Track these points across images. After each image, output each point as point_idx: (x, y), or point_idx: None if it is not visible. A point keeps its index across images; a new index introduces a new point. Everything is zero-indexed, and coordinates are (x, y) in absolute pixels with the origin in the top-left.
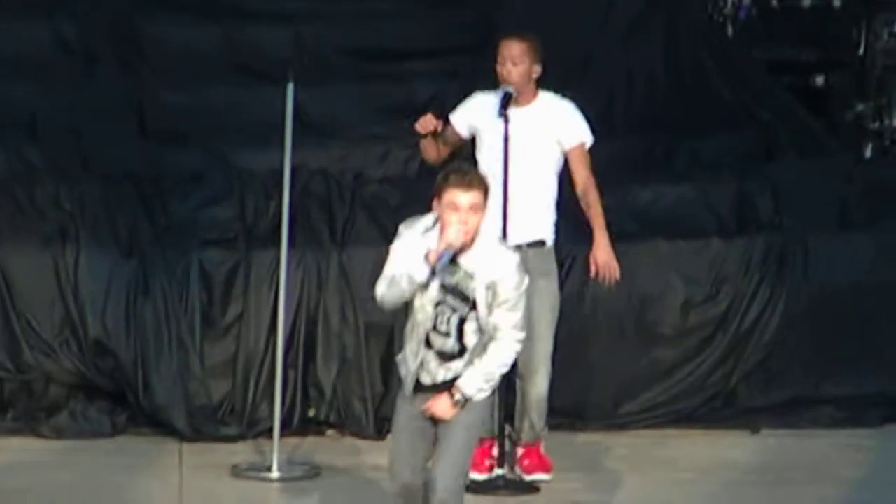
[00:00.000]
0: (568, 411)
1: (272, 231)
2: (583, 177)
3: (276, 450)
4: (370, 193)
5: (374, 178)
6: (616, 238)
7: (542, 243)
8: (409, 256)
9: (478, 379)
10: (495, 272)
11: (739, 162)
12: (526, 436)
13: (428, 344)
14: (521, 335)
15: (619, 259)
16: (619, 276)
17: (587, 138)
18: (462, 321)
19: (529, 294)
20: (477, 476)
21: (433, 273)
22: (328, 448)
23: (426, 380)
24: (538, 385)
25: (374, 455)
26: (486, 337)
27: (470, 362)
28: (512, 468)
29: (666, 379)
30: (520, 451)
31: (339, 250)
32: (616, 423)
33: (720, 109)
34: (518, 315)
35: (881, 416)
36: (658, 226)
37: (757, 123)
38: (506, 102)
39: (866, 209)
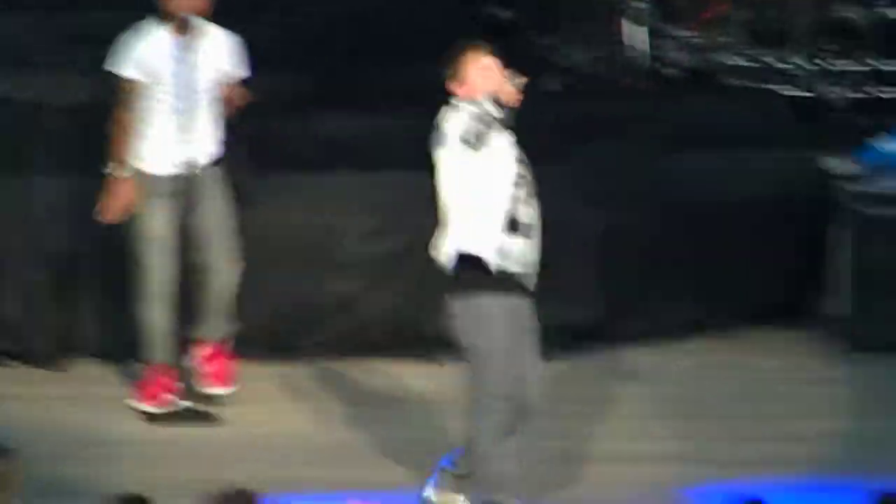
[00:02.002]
0: (253, 342)
1: None
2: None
3: None
4: (51, 122)
5: (55, 107)
6: (302, 168)
7: (218, 161)
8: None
9: None
10: None
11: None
12: (213, 330)
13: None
14: None
15: (303, 189)
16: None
17: (247, 72)
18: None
19: (207, 210)
20: (152, 409)
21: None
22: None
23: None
24: (225, 275)
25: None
26: None
27: None
28: (192, 389)
29: (351, 309)
30: (204, 350)
31: (19, 179)
32: (302, 352)
33: (411, 42)
34: None
35: (564, 344)
36: (341, 156)
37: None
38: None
39: (550, 141)
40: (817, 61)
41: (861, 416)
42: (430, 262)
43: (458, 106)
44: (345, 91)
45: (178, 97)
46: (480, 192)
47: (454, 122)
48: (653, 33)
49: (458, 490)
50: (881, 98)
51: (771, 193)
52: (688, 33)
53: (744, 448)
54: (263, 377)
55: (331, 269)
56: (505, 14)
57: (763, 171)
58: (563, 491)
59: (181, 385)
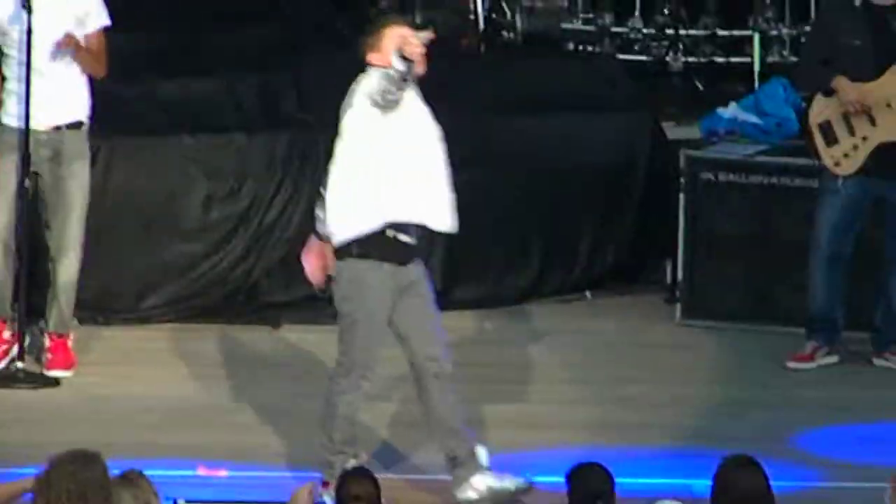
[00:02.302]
0: (92, 305)
1: None
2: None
3: None
4: None
5: None
6: (142, 132)
7: (79, 125)
8: None
9: None
10: None
11: (263, 56)
12: (55, 324)
13: None
14: None
15: (147, 151)
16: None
17: (106, 21)
18: None
19: (65, 176)
20: None
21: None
22: None
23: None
24: (69, 268)
25: None
26: None
27: None
28: (38, 359)
29: (189, 273)
30: (47, 341)
31: None
32: (140, 316)
33: (245, 3)
34: None
35: None
36: (183, 120)
37: (281, 17)
38: None
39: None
40: (654, 26)
41: (692, 382)
42: (269, 227)
43: (369, 72)
44: (184, 54)
45: (22, 51)
46: (375, 157)
47: (364, 83)
48: None
49: (476, 470)
50: (717, 62)
51: (611, 159)
52: None
53: (580, 412)
54: (103, 340)
55: (172, 234)
56: None
57: (602, 136)
58: (397, 454)
59: (20, 349)
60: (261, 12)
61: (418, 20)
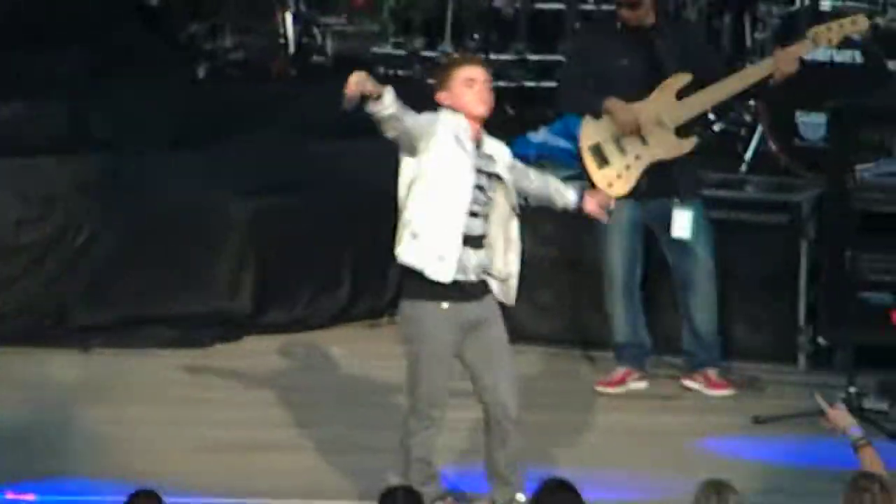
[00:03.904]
0: None
1: None
2: None
3: None
4: None
5: None
6: None
7: None
8: (436, 128)
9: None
10: (505, 153)
11: (73, 79)
12: None
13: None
14: None
15: None
16: None
17: None
18: (488, 202)
19: None
20: None
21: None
22: None
23: (465, 276)
24: None
25: None
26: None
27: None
28: None
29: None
30: None
31: None
32: None
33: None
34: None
35: (212, 335)
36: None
37: (90, 39)
38: None
39: (198, 128)
40: (464, 51)
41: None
42: (80, 250)
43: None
44: None
45: None
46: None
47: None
48: (304, 20)
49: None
50: (527, 87)
51: None
52: (337, 21)
53: (389, 436)
54: None
55: None
56: (154, 0)
57: None
58: (217, 481)
59: None
60: (69, 34)
61: (229, 43)
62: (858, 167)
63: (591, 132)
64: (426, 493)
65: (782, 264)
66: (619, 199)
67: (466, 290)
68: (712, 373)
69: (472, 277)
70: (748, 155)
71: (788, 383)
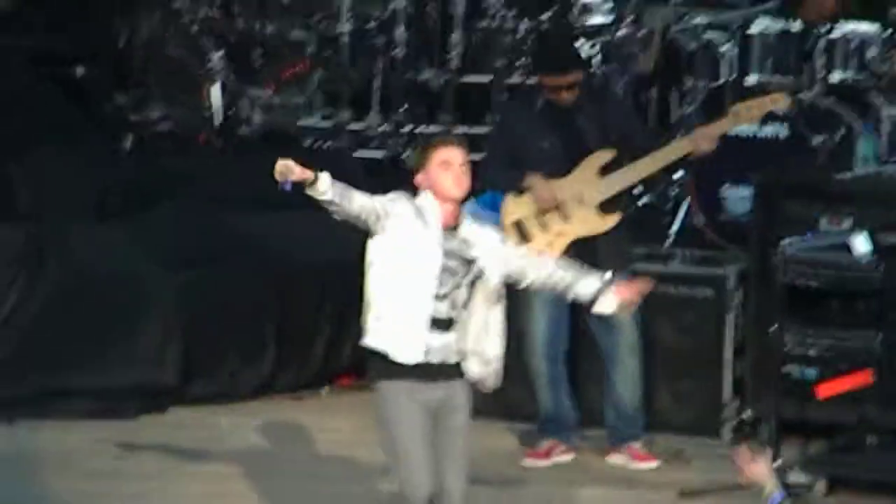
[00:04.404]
0: None
1: None
2: None
3: None
4: None
5: None
6: None
7: None
8: (390, 208)
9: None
10: (489, 239)
11: None
12: None
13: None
14: None
15: None
16: None
17: None
18: (458, 286)
19: None
20: None
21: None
22: None
23: (431, 358)
24: None
25: None
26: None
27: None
28: None
29: None
30: None
31: None
32: None
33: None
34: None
35: (137, 407)
36: None
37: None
38: None
39: (124, 200)
40: (391, 123)
41: None
42: (4, 320)
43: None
44: None
45: None
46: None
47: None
48: (231, 92)
49: None
50: None
51: (347, 256)
52: (265, 92)
53: None
54: None
55: None
56: (79, 71)
57: (338, 232)
58: None
59: None
60: None
61: (156, 114)
62: (783, 241)
63: (513, 209)
64: None
65: (707, 337)
66: None
67: (431, 373)
68: (636, 446)
69: (435, 360)
70: (674, 228)
71: (713, 456)
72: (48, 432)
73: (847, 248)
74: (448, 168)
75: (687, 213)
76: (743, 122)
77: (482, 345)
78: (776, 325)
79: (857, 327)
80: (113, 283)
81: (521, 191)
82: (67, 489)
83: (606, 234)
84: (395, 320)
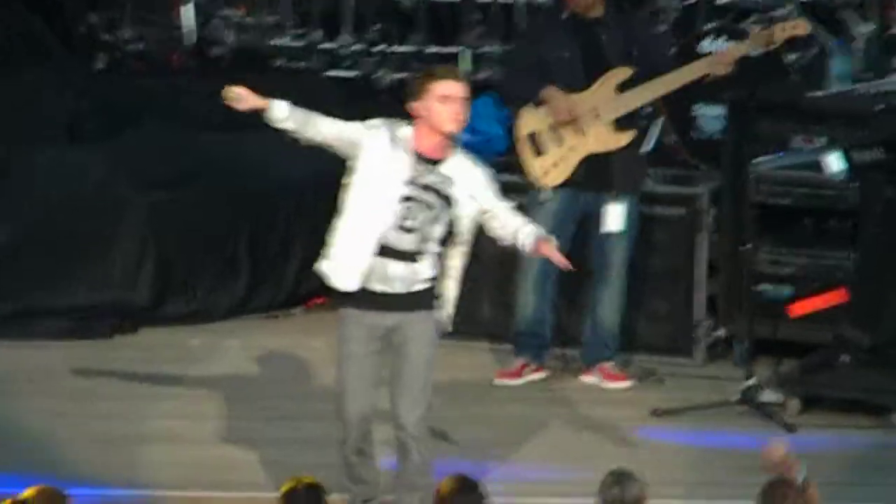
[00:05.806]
0: None
1: None
2: None
3: None
4: None
5: None
6: None
7: None
8: (362, 139)
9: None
10: (475, 181)
11: None
12: None
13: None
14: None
15: None
16: None
17: None
18: (434, 220)
19: None
20: None
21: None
22: None
23: (383, 288)
24: None
25: None
26: (494, 221)
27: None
28: None
29: None
30: None
31: None
32: None
33: None
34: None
35: (110, 327)
36: None
37: None
38: None
39: (96, 121)
40: (364, 42)
41: None
42: None
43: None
44: None
45: None
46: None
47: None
48: (202, 12)
49: None
50: None
51: (320, 177)
52: (237, 13)
53: (285, 427)
54: None
55: None
56: None
57: (310, 152)
58: (116, 473)
59: None
60: None
61: (128, 35)
62: (756, 160)
63: (528, 120)
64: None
65: (680, 257)
66: (554, 188)
67: (388, 302)
68: (609, 366)
69: (398, 289)
70: (648, 147)
71: (686, 376)
72: (20, 352)
73: (820, 167)
74: (448, 102)
75: (662, 132)
76: (760, 46)
77: (439, 286)
78: (749, 244)
79: (831, 246)
80: (86, 203)
81: (538, 103)
82: (39, 409)
83: (620, 151)
84: (342, 247)
